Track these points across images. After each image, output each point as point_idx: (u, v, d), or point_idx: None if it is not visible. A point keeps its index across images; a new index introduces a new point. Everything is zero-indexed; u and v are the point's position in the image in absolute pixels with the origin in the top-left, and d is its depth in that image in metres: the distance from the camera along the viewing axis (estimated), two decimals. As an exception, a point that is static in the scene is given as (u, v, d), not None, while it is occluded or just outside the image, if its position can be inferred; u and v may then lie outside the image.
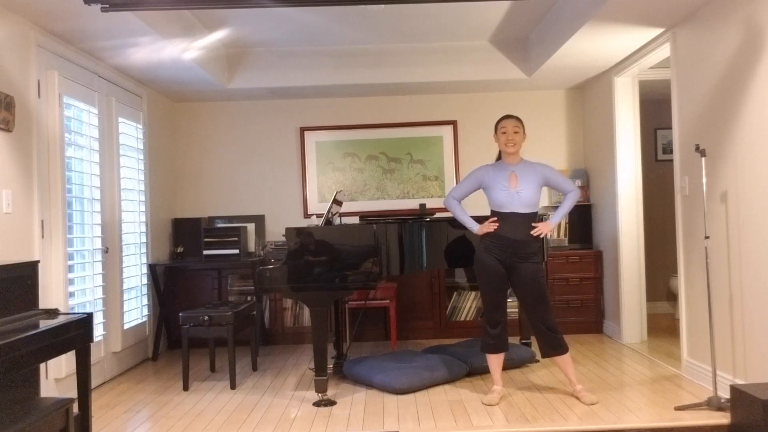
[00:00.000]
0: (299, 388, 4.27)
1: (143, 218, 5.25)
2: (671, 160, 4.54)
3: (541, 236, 3.78)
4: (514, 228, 3.71)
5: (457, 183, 6.15)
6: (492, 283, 3.74)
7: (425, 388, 4.09)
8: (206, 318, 4.28)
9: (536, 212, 3.80)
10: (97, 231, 4.45)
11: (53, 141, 3.94)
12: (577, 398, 3.73)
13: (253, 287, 5.70)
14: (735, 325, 3.61)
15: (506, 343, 3.83)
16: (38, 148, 3.81)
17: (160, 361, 5.29)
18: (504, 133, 3.77)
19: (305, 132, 6.18)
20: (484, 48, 5.64)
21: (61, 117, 4.00)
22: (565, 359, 3.77)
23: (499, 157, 3.91)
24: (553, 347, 3.75)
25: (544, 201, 6.07)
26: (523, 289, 3.74)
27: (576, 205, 3.77)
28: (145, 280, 5.26)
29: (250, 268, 5.58)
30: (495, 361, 3.84)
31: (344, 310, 5.04)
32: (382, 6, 4.51)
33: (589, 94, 6.02)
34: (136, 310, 5.08)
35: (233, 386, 4.29)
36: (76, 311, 3.83)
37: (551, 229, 3.81)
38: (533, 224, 3.74)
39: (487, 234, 3.76)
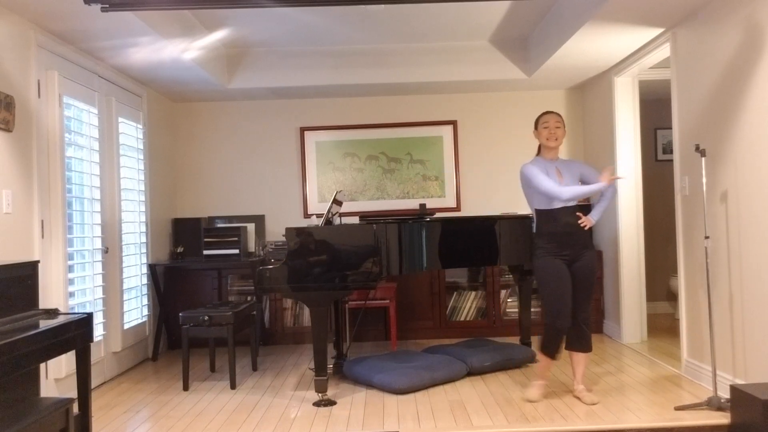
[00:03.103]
0: (299, 388, 4.27)
1: (143, 218, 5.25)
2: (671, 160, 4.54)
3: (586, 228, 3.72)
4: (568, 222, 3.69)
5: (458, 183, 6.16)
6: (561, 287, 3.66)
7: (425, 388, 4.09)
8: (206, 318, 4.28)
9: (577, 204, 3.76)
10: (97, 231, 4.45)
11: (53, 141, 3.94)
12: (578, 398, 3.73)
13: (253, 287, 5.70)
14: (735, 325, 3.60)
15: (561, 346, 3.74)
16: (38, 148, 3.81)
17: (160, 361, 5.29)
18: (546, 127, 3.75)
19: (305, 132, 6.18)
20: (484, 48, 5.64)
21: (61, 117, 4.00)
22: (582, 357, 3.78)
23: (537, 154, 3.87)
24: (580, 342, 3.75)
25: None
26: (581, 278, 3.71)
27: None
28: (145, 280, 5.26)
29: (250, 268, 5.58)
30: (548, 361, 3.77)
31: (344, 310, 5.04)
32: (382, 6, 4.51)
33: (589, 94, 6.02)
34: (136, 310, 5.08)
35: (233, 386, 4.29)
36: (76, 311, 3.83)
37: (593, 223, 3.76)
38: (578, 214, 3.71)
39: (544, 236, 3.70)
